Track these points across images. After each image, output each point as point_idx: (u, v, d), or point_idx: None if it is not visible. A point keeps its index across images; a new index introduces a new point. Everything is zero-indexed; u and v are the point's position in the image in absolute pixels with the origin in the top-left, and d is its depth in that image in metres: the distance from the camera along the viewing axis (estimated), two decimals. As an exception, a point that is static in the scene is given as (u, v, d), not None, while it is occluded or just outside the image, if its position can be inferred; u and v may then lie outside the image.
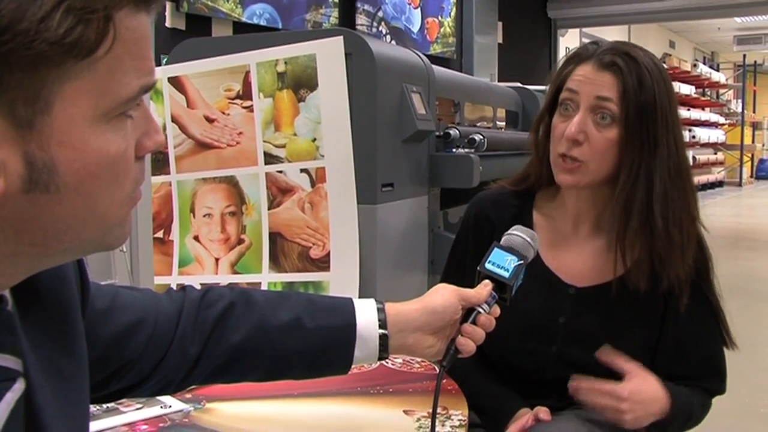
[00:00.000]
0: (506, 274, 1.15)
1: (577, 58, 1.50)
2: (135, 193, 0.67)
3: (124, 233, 0.68)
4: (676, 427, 1.48)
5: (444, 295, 1.11)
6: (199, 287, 1.06)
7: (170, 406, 1.36)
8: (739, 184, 17.71)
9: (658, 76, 1.44)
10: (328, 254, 2.72)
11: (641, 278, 1.47)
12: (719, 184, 17.19)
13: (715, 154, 17.36)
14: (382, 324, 1.06)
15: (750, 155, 18.91)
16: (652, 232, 1.44)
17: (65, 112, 0.58)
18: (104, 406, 1.34)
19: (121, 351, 0.92)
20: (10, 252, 0.62)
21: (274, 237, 2.81)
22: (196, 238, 2.93)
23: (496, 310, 1.14)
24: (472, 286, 1.15)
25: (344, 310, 1.06)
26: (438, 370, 1.10)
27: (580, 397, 1.39)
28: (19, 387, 0.66)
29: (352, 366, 1.06)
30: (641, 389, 1.40)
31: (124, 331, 0.92)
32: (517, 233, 1.21)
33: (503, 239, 1.21)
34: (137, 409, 1.35)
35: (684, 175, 1.47)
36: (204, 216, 2.92)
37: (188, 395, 1.40)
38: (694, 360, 1.54)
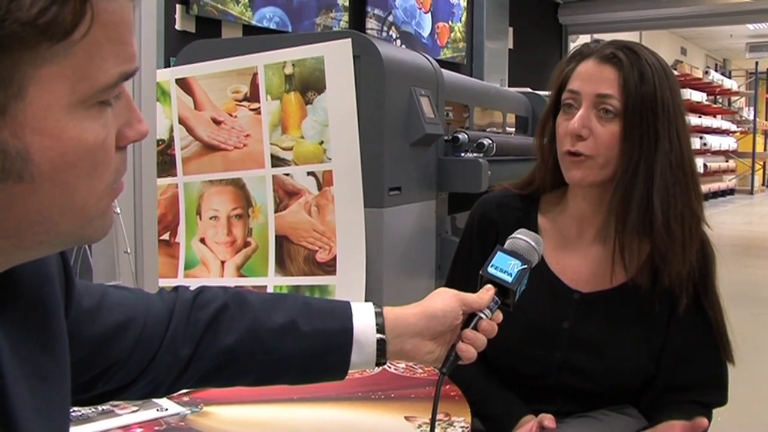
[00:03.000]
0: (509, 279, 1.12)
1: (579, 55, 1.50)
2: (116, 184, 0.65)
3: (104, 226, 0.65)
4: None
5: (444, 300, 1.08)
6: None
7: (167, 409, 1.34)
8: (751, 192, 17.64)
9: (660, 70, 1.43)
10: (335, 258, 2.70)
11: (644, 278, 1.45)
12: (730, 192, 17.11)
13: (727, 161, 17.29)
14: (380, 328, 1.02)
15: (762, 163, 18.82)
16: (651, 226, 1.41)
17: (40, 98, 0.56)
18: (99, 408, 1.31)
19: (108, 351, 0.89)
20: None
21: (281, 240, 2.79)
22: (202, 240, 2.92)
23: (499, 315, 1.10)
24: (476, 290, 1.12)
25: (341, 313, 1.03)
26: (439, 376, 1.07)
27: None
28: None
29: (349, 371, 1.03)
30: None
31: (112, 331, 0.89)
32: (521, 237, 1.18)
33: (507, 243, 1.18)
34: (133, 411, 1.32)
35: (687, 171, 1.44)
36: (210, 218, 2.91)
37: (185, 398, 1.38)
38: (696, 369, 1.50)
